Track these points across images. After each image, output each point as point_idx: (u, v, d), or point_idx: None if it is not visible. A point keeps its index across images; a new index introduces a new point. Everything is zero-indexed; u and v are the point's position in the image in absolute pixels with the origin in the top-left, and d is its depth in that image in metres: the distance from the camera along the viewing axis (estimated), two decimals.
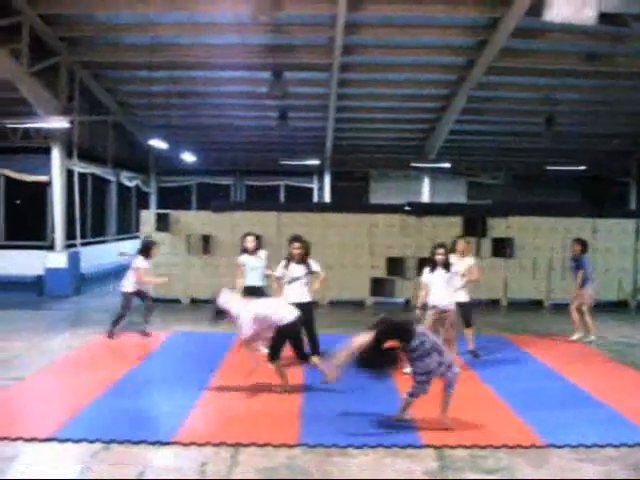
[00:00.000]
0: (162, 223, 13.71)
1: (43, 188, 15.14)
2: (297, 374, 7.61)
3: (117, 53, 14.26)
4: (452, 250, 8.65)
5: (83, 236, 15.78)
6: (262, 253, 9.22)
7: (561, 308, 13.77)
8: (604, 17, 9.94)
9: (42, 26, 12.71)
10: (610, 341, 10.40)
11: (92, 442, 5.52)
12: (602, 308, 13.73)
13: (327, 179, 22.32)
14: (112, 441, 5.55)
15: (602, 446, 5.62)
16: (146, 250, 10.00)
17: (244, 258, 9.04)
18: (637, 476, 5.12)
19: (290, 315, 7.06)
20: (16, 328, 10.61)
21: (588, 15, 9.88)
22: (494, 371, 8.21)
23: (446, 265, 8.07)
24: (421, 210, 14.48)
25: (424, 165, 21.01)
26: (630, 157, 21.73)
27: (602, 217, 14.25)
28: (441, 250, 8.06)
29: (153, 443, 5.55)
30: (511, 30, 12.09)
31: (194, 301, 13.62)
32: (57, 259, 14.38)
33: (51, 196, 14.73)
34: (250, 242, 9.04)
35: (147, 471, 5.07)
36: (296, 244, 8.09)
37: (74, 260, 14.71)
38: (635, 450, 5.59)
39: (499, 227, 13.94)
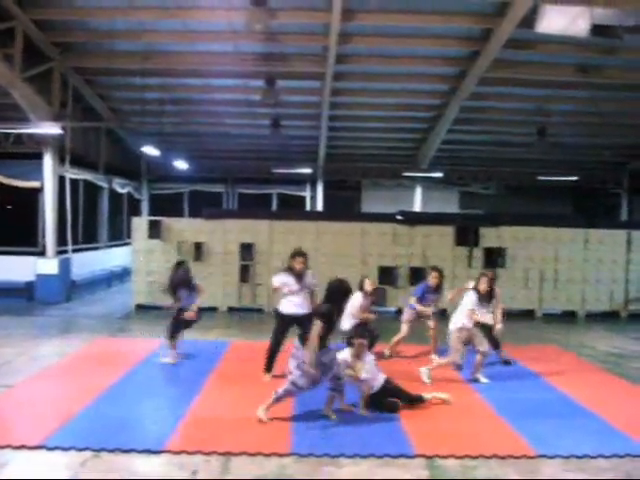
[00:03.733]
0: (154, 230, 13.68)
1: (35, 194, 15.06)
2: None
3: (110, 59, 14.22)
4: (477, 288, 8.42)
5: (74, 242, 15.68)
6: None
7: (553, 318, 13.86)
8: (596, 29, 10.02)
9: (35, 32, 12.70)
10: (602, 352, 10.44)
11: (81, 450, 5.49)
12: (594, 319, 13.84)
13: (320, 188, 22.28)
14: (102, 449, 5.51)
15: (593, 457, 5.63)
16: None
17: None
18: None
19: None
20: (6, 334, 10.55)
21: (580, 27, 9.96)
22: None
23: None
24: (413, 219, 14.49)
25: (416, 174, 21.06)
26: (622, 168, 21.83)
27: (594, 228, 14.33)
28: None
29: (143, 451, 5.52)
30: (504, 41, 12.14)
31: None
32: (48, 265, 14.33)
33: (43, 202, 14.66)
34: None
35: None
36: (300, 258, 7.87)
37: (65, 266, 14.66)
38: (626, 461, 5.59)
39: (491, 237, 13.99)
